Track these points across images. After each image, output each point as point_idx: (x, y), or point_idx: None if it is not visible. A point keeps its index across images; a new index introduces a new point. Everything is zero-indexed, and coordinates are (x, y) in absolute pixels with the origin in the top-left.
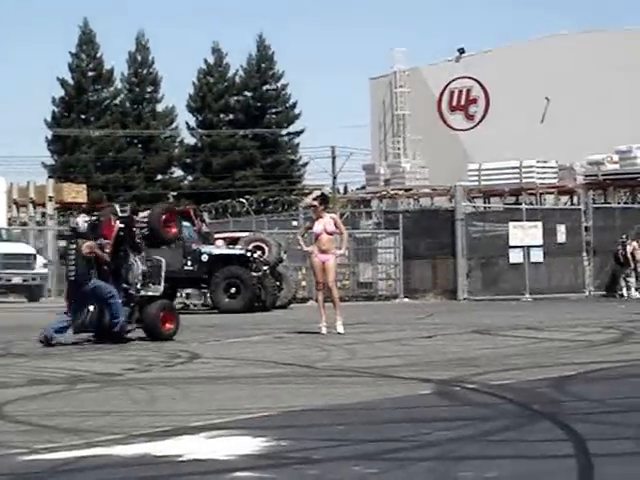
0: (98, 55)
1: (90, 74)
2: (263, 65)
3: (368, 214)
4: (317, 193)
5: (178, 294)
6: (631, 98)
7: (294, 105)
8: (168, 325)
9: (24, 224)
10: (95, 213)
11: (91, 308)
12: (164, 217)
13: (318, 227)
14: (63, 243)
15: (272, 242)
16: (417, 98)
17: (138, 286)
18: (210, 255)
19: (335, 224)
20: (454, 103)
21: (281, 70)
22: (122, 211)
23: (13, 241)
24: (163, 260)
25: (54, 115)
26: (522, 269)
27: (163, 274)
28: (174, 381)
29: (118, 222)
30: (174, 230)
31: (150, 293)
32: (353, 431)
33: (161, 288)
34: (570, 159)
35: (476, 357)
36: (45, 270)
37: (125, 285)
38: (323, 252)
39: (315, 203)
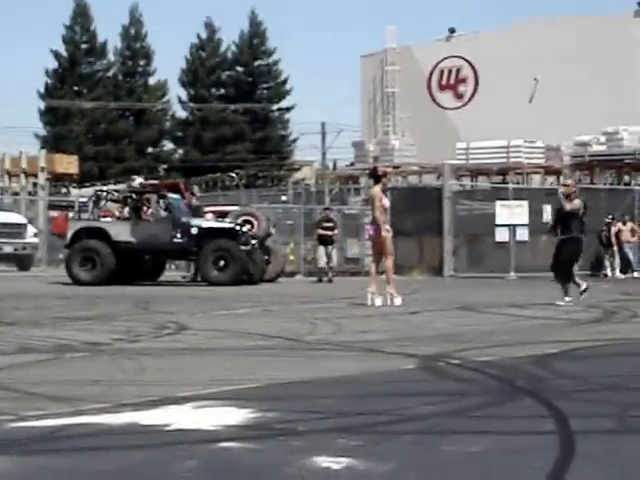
0: (92, 28)
1: (83, 47)
2: (255, 41)
3: (356, 190)
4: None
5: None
6: (617, 80)
7: (285, 81)
8: None
9: (16, 194)
10: None
11: None
12: None
13: (387, 201)
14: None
15: (261, 216)
16: (407, 76)
17: None
18: (199, 228)
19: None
20: (444, 82)
21: (273, 46)
22: None
23: (5, 210)
24: None
25: (47, 86)
26: (508, 247)
27: None
28: (162, 352)
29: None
30: None
31: None
32: (338, 404)
33: None
34: (557, 139)
35: (460, 333)
36: (36, 240)
37: None
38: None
39: (388, 170)
